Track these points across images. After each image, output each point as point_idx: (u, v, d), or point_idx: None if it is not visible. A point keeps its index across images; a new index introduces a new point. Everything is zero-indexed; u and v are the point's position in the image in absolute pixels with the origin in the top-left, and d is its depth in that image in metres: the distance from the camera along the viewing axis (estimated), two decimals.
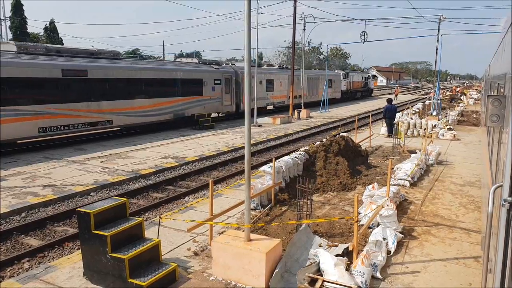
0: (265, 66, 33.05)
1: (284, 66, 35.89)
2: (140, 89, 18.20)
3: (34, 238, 7.52)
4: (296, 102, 29.84)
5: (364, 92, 50.57)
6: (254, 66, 24.86)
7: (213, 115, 24.35)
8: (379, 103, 40.31)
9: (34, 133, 14.04)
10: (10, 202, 8.75)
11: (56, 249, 7.05)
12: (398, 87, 64.84)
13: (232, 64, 26.84)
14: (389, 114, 17.01)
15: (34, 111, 13.93)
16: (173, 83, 20.04)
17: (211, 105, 22.93)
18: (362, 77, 51.00)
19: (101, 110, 16.35)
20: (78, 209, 5.01)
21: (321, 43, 76.39)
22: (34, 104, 13.94)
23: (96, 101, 16.15)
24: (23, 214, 8.39)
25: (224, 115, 25.63)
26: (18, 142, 14.22)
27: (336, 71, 44.74)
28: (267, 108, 30.05)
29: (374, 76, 74.86)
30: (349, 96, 45.02)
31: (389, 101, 17.36)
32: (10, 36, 45.45)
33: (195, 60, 24.47)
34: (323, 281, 4.75)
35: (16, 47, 14.36)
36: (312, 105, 34.02)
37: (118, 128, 18.31)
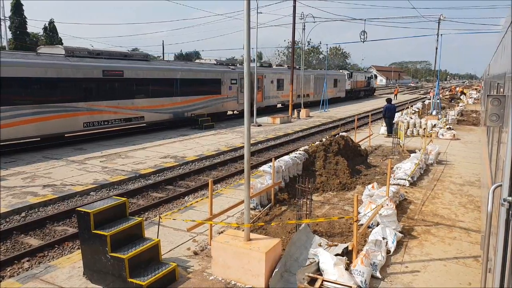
0: (274, 66, 33.94)
1: (296, 67, 36.91)
2: (167, 88, 19.73)
3: (34, 238, 7.51)
4: (304, 100, 31.30)
5: (367, 92, 51.69)
6: (266, 67, 26.62)
7: (228, 112, 25.69)
8: (378, 103, 40.36)
9: (80, 127, 15.74)
10: (10, 202, 8.75)
11: (56, 248, 7.05)
12: (398, 87, 64.97)
13: (239, 66, 28.71)
14: (388, 113, 17.01)
15: (79, 108, 15.61)
16: (196, 83, 21.59)
17: (228, 104, 24.41)
18: (365, 76, 52.33)
19: (135, 107, 17.99)
20: (78, 208, 5.01)
21: (320, 43, 76.43)
22: (79, 101, 15.57)
23: (130, 99, 17.75)
24: (23, 214, 8.39)
25: (237, 112, 26.68)
26: (65, 135, 15.91)
27: (341, 71, 46.10)
28: (277, 106, 31.25)
29: (375, 76, 75.35)
30: (353, 95, 46.18)
31: (389, 100, 17.36)
32: (9, 35, 45.42)
33: (213, 61, 25.68)
34: (323, 280, 4.76)
35: (64, 51, 16.06)
36: (317, 105, 35.11)
37: (145, 124, 19.46)
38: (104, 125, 16.63)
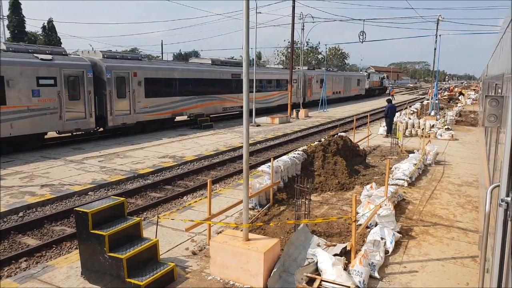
0: (317, 69, 41.15)
1: (330, 69, 45.29)
2: (261, 85, 28.09)
3: (32, 238, 7.49)
4: (336, 96, 40.27)
5: (380, 90, 59.07)
6: (311, 69, 35.86)
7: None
8: (376, 103, 40.47)
9: (220, 111, 24.51)
10: (7, 202, 8.72)
11: (54, 248, 7.03)
12: (394, 89, 65.60)
13: (299, 68, 36.07)
14: (390, 113, 17.11)
15: (221, 98, 24.08)
16: (275, 83, 30.15)
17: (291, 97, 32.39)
18: (379, 77, 60.98)
19: (240, 99, 25.27)
20: (76, 208, 5.00)
21: (319, 43, 76.38)
22: (221, 94, 24.04)
23: (237, 93, 25.34)
24: (21, 214, 8.37)
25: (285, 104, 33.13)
26: (210, 116, 23.28)
27: (361, 72, 55.78)
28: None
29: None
30: (370, 93, 53.69)
31: (389, 101, 17.50)
32: (8, 35, 45.29)
33: (281, 66, 35.56)
34: (321, 280, 4.76)
35: (210, 61, 24.85)
36: (346, 100, 43.88)
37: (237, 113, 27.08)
38: (231, 110, 25.31)
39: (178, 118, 22.29)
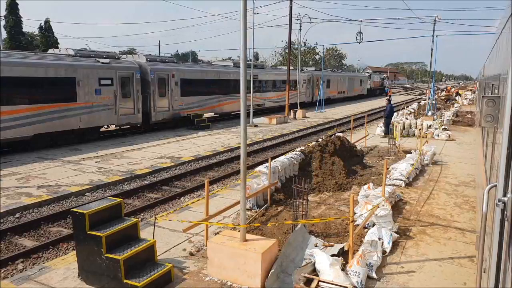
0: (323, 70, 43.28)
1: (335, 70, 47.31)
2: (274, 86, 30.46)
3: (29, 239, 7.46)
4: (340, 96, 42.43)
5: (380, 90, 60.84)
6: (319, 71, 37.15)
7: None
8: (375, 103, 40.57)
9: (239, 108, 22.01)
10: (4, 203, 8.68)
11: (50, 250, 7.00)
12: (391, 89, 66.15)
13: (307, 69, 39.07)
14: (391, 113, 17.24)
15: (238, 96, 24.56)
16: (282, 83, 31.79)
17: (300, 97, 33.58)
18: (379, 77, 64.03)
19: (261, 98, 28.13)
20: (73, 209, 4.98)
21: (316, 43, 76.70)
22: (237, 93, 24.40)
23: (260, 92, 28.00)
24: (17, 215, 8.33)
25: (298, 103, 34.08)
26: (231, 112, 25.72)
27: (362, 72, 57.47)
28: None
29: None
30: (371, 93, 55.57)
31: (389, 101, 17.60)
32: (4, 35, 45.10)
33: (292, 67, 35.33)
34: (319, 281, 4.76)
35: (232, 63, 27.21)
36: (349, 99, 45.25)
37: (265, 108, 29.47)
38: (248, 109, 24.32)
39: (205, 115, 23.67)
